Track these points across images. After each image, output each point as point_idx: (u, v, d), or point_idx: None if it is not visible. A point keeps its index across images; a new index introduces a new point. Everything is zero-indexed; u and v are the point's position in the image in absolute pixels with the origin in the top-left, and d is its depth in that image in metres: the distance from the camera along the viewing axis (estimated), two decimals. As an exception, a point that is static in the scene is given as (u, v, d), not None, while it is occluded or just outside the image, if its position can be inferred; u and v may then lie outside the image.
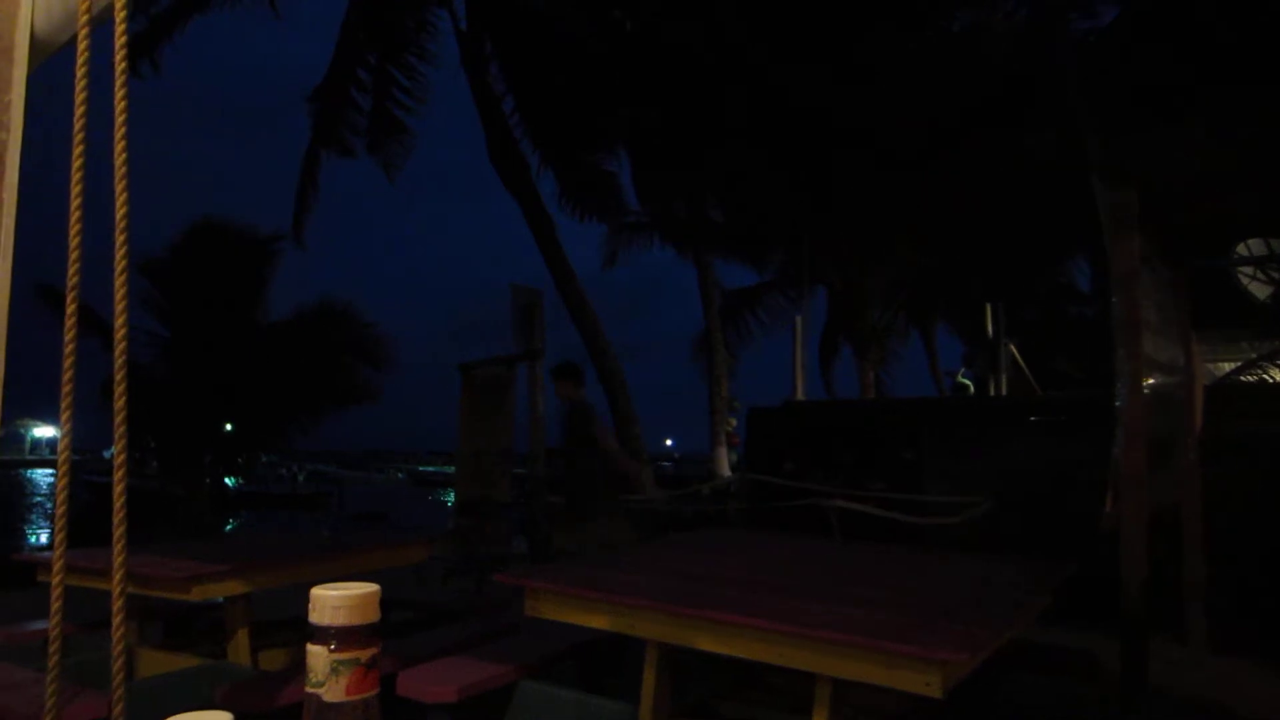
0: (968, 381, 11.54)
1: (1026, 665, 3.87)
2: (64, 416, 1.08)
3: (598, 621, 3.00)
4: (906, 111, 10.39)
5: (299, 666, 3.68)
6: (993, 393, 10.20)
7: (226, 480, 16.11)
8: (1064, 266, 16.23)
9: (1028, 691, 4.35)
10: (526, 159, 12.54)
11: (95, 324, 13.56)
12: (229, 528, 17.37)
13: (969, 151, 10.59)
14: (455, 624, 5.08)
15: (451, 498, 12.42)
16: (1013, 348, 10.36)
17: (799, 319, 11.92)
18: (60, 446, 1.03)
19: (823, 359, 18.45)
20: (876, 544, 4.65)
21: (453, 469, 11.65)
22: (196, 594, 3.98)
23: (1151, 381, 4.43)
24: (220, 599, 4.37)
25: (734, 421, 14.22)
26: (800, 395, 10.96)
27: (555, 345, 11.22)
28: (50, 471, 63.06)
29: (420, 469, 59.95)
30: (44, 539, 20.43)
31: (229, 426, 14.23)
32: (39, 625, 4.77)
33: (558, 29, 11.60)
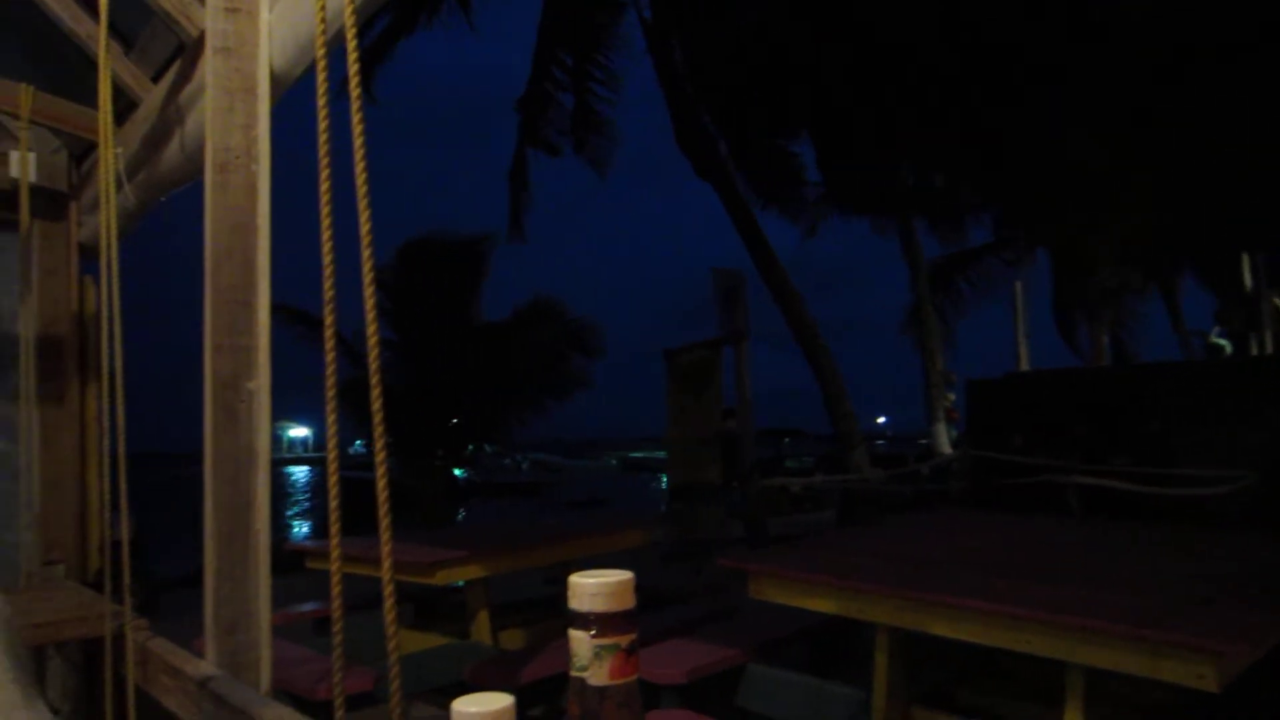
0: (1223, 342, 10.37)
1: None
2: (329, 419, 1.16)
3: (824, 605, 2.94)
4: (1129, 50, 9.48)
5: (537, 646, 3.87)
6: (1255, 352, 9.15)
7: (455, 471, 17.17)
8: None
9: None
10: (716, 143, 12.53)
11: (335, 334, 14.84)
12: (460, 516, 18.53)
13: (1208, 85, 9.51)
14: (678, 607, 5.16)
15: (664, 483, 12.65)
16: (1276, 301, 9.24)
17: (1018, 284, 11.19)
18: (329, 449, 1.11)
19: (1047, 325, 17.24)
20: (1124, 523, 4.29)
21: (662, 455, 11.85)
22: (440, 578, 4.26)
23: None
24: (460, 583, 4.66)
25: (952, 396, 13.55)
26: (1024, 365, 10.30)
27: (759, 326, 11.17)
28: (305, 469, 69.97)
29: (632, 455, 61.51)
30: (304, 530, 22.64)
31: (456, 421, 15.14)
32: (307, 607, 5.28)
33: (741, 11, 11.49)
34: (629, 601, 0.55)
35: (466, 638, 4.67)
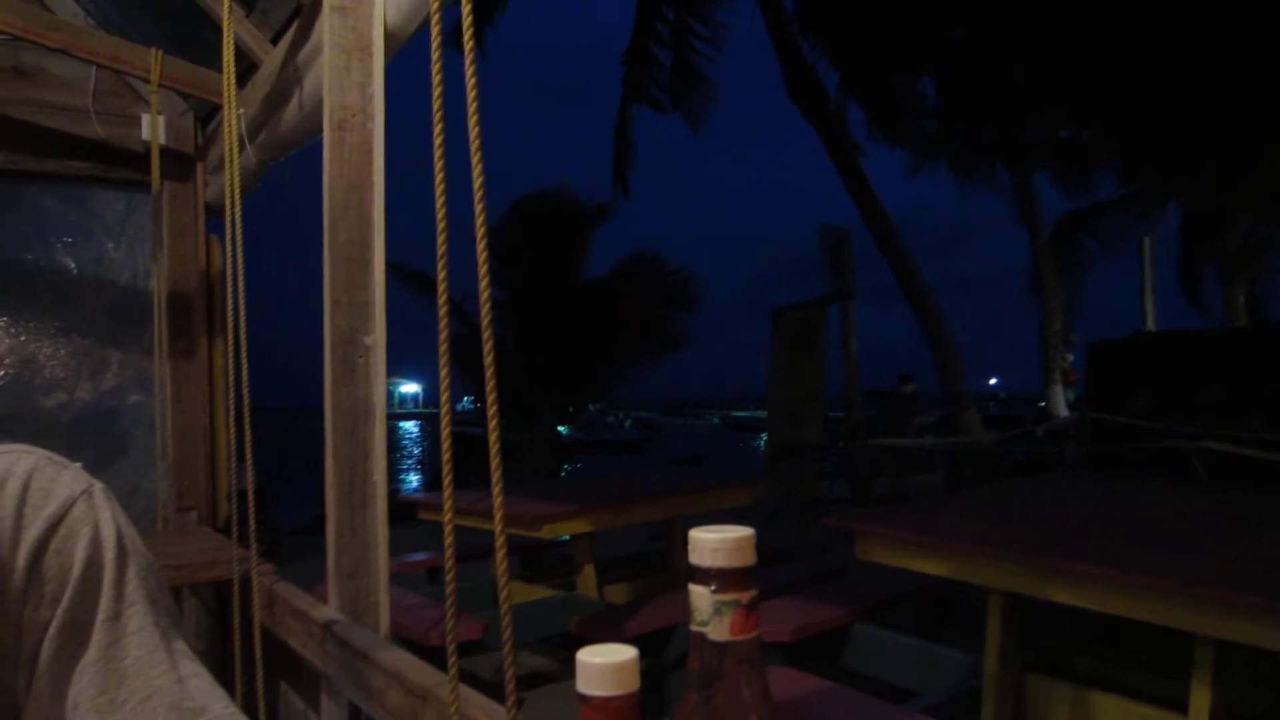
0: None
1: None
2: (442, 375, 1.18)
3: (934, 568, 2.87)
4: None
5: (641, 601, 3.91)
6: None
7: (559, 428, 17.46)
8: None
9: None
10: (827, 92, 12.18)
11: (447, 291, 15.21)
12: (564, 472, 18.90)
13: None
14: (784, 566, 5.15)
15: (764, 442, 12.59)
16: None
17: (1146, 240, 10.61)
18: (442, 404, 1.13)
19: (1169, 284, 16.28)
20: (1257, 492, 4.04)
21: (765, 414, 11.79)
22: (546, 532, 4.35)
23: None
24: (566, 537, 4.75)
25: (1070, 357, 12.98)
26: (1151, 325, 9.78)
27: (867, 285, 10.89)
28: (415, 423, 72.65)
29: (734, 414, 61.46)
30: (415, 482, 23.46)
31: (560, 379, 15.37)
32: (419, 556, 5.48)
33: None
34: (750, 558, 0.54)
35: (572, 590, 4.77)
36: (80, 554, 0.64)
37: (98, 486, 0.68)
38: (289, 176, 2.69)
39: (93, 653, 0.63)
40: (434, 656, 1.53)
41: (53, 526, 0.64)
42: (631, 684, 0.49)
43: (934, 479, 11.82)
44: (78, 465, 0.70)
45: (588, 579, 4.70)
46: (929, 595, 4.01)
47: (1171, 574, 2.25)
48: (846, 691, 2.77)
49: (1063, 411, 12.35)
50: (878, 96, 12.12)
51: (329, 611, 1.78)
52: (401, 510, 5.17)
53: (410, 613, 3.79)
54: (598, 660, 0.49)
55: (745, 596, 0.54)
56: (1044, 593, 2.55)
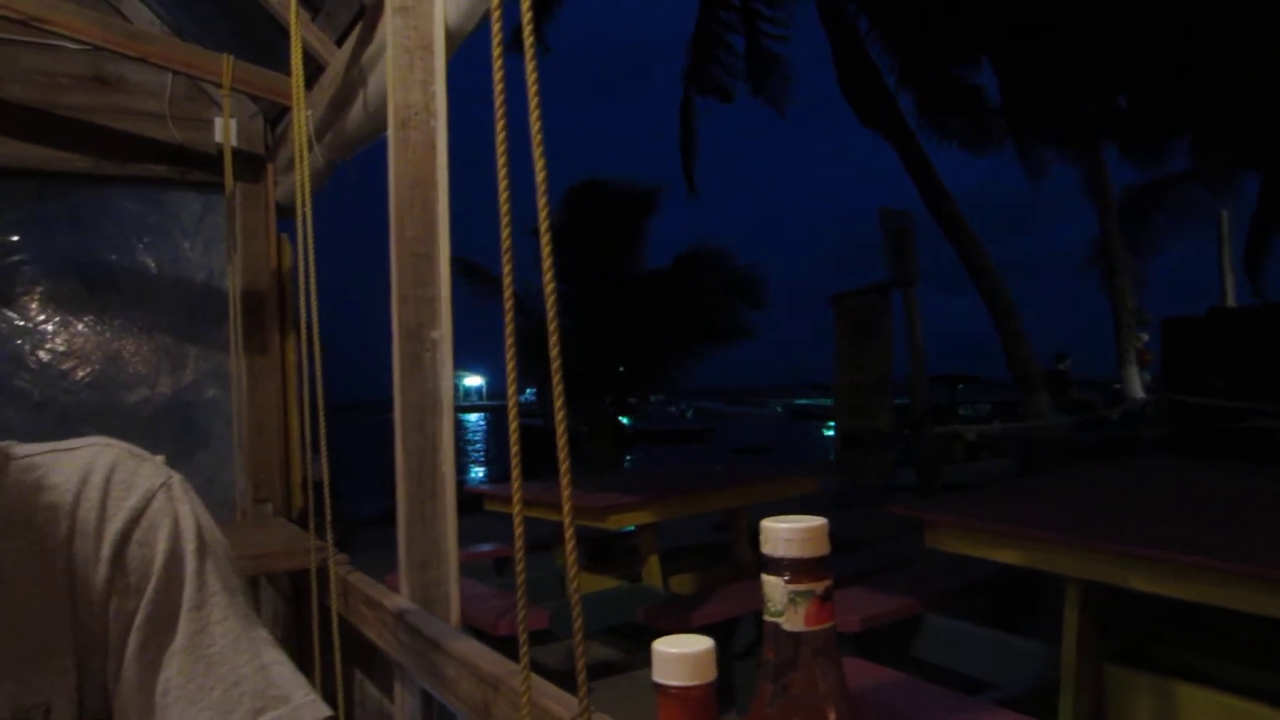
0: None
1: None
2: (509, 367, 1.19)
3: (1007, 556, 2.81)
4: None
5: (707, 592, 3.90)
6: None
7: (621, 419, 17.52)
8: None
9: None
10: (883, 80, 11.95)
11: (500, 285, 15.37)
12: (627, 462, 18.96)
13: None
14: (850, 555, 5.10)
15: (830, 430, 12.45)
16: None
17: (1223, 213, 10.21)
18: (510, 395, 1.15)
19: (1249, 259, 15.60)
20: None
21: (829, 401, 11.67)
22: (612, 523, 4.37)
23: None
24: (631, 527, 4.77)
25: (1144, 337, 12.55)
26: (1230, 301, 9.42)
27: (930, 269, 10.70)
28: (480, 416, 73.57)
29: (796, 402, 60.95)
30: (479, 474, 23.75)
31: (622, 369, 15.41)
32: (486, 547, 5.55)
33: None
34: (823, 547, 0.54)
35: (637, 581, 4.78)
36: (162, 545, 0.66)
37: (176, 479, 0.70)
38: (354, 175, 2.74)
39: (180, 641, 0.65)
40: (501, 646, 1.56)
41: (134, 519, 0.66)
42: (709, 674, 0.49)
43: (1003, 465, 11.57)
44: (159, 458, 0.72)
45: (653, 569, 4.71)
46: (998, 585, 3.93)
47: (1257, 559, 2.17)
48: (919, 682, 2.73)
49: (1138, 393, 11.96)
50: (933, 79, 11.86)
51: (401, 601, 1.81)
52: (468, 502, 5.25)
53: (478, 603, 3.85)
54: (675, 650, 0.49)
55: (819, 586, 0.54)
56: (1122, 580, 2.48)
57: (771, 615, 0.55)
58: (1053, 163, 13.59)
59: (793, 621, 0.53)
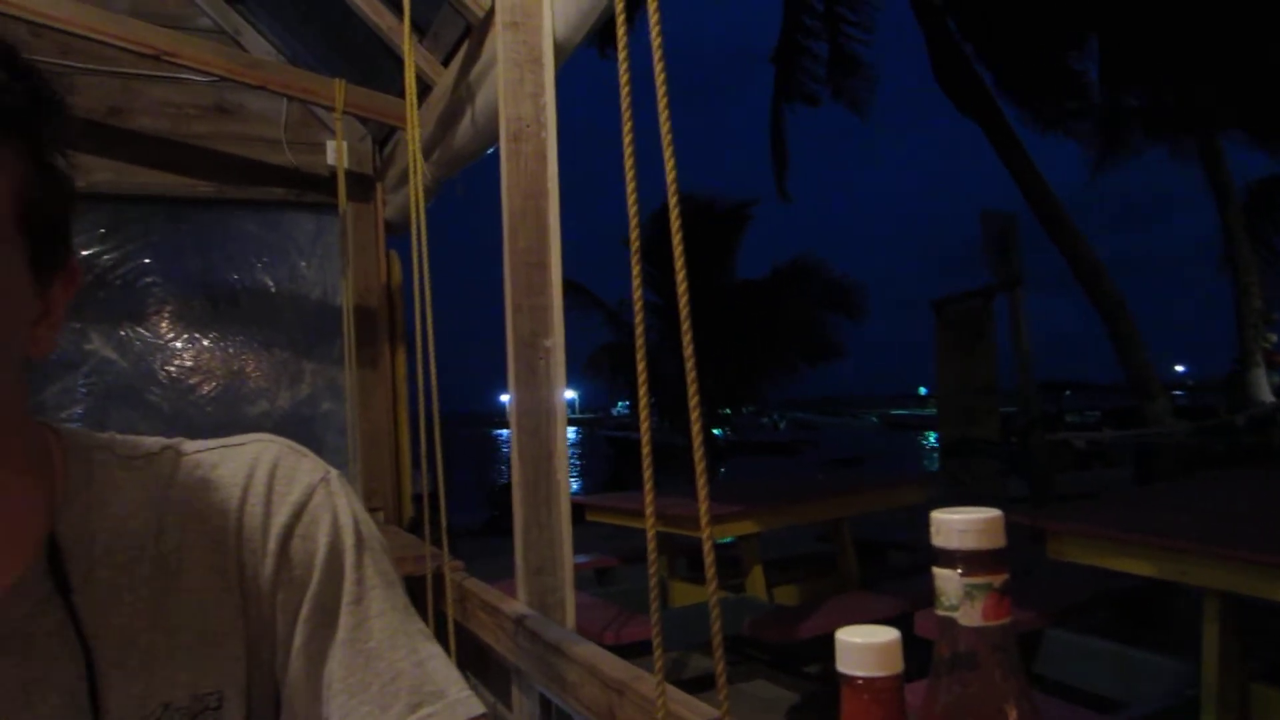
0: None
1: None
2: (640, 388, 1.20)
3: (1137, 567, 2.68)
4: None
5: (812, 603, 3.82)
6: None
7: (715, 431, 17.45)
8: None
9: None
10: (980, 75, 11.64)
11: (595, 302, 15.59)
12: (721, 474, 18.84)
13: None
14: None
15: (930, 440, 12.13)
16: None
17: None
18: (641, 409, 1.16)
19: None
20: None
21: (927, 412, 11.37)
22: (716, 533, 4.33)
23: None
24: (730, 539, 4.73)
25: (1274, 338, 11.80)
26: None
27: (1036, 271, 10.31)
28: (573, 429, 74.33)
29: (893, 412, 59.72)
30: (574, 486, 23.93)
31: (715, 382, 15.36)
32: (581, 559, 5.58)
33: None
34: (1000, 539, 0.51)
35: (741, 592, 4.73)
36: (323, 539, 0.68)
37: (334, 474, 0.72)
38: (462, 191, 2.80)
39: (341, 634, 0.66)
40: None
41: (297, 513, 0.68)
42: (896, 665, 0.47)
43: (1117, 474, 11.08)
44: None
45: (756, 580, 4.65)
46: (1125, 598, 3.75)
47: None
48: (1047, 699, 2.62)
49: (1266, 398, 11.27)
50: (1032, 83, 11.49)
51: (519, 606, 1.83)
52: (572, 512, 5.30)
53: (584, 612, 3.86)
54: (859, 640, 0.47)
55: (997, 580, 0.52)
56: (1266, 592, 2.33)
57: (945, 610, 0.53)
58: (1164, 152, 13.00)
59: (969, 616, 0.51)
